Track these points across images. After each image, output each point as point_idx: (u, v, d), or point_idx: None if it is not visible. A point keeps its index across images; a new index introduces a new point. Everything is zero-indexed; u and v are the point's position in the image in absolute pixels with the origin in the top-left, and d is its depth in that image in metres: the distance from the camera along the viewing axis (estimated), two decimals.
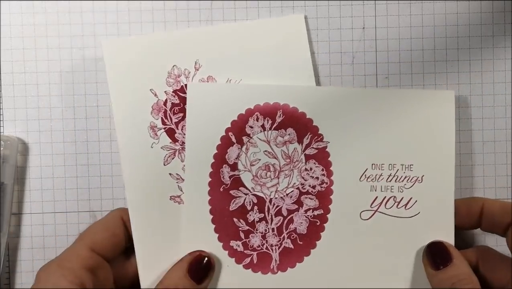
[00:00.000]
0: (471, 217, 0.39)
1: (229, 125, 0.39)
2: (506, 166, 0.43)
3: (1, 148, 0.40)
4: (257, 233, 0.39)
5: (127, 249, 0.40)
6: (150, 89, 0.39)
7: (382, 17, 0.43)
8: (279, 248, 0.39)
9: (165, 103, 0.39)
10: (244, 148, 0.39)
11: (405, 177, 0.39)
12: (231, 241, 0.39)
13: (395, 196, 0.39)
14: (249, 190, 0.39)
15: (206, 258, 0.38)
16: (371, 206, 0.39)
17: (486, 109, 0.43)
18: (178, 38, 0.40)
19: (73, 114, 0.42)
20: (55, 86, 0.42)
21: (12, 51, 0.42)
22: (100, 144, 0.42)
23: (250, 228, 0.39)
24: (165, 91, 0.39)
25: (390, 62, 0.43)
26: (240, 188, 0.39)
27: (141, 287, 0.39)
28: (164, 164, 0.39)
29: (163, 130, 0.39)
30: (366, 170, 0.39)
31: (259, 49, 0.40)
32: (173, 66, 0.40)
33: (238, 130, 0.39)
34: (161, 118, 0.39)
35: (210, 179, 0.39)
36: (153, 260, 0.39)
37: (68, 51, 0.42)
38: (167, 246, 0.39)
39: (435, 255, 0.37)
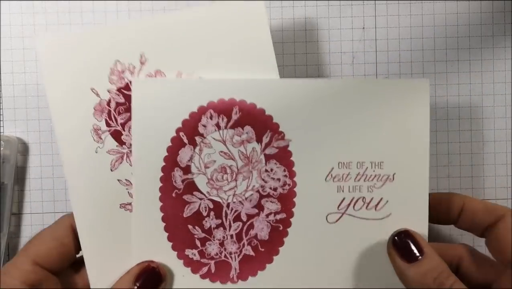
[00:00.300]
0: (450, 212, 0.37)
1: (180, 125, 0.36)
2: (506, 166, 0.43)
3: (1, 148, 0.41)
4: (214, 240, 0.36)
5: (77, 261, 0.37)
6: (91, 89, 0.36)
7: (382, 17, 0.43)
8: (238, 255, 0.36)
9: (108, 103, 0.36)
10: (197, 149, 0.36)
11: (375, 176, 0.36)
12: (187, 250, 0.36)
13: (364, 197, 0.36)
14: (204, 195, 0.36)
15: (155, 269, 0.35)
16: (338, 208, 0.36)
17: (486, 109, 0.43)
18: (120, 29, 0.36)
19: None
20: None
21: (12, 51, 0.43)
22: None
23: (206, 236, 0.36)
24: (108, 90, 0.36)
25: (390, 62, 0.43)
26: (194, 193, 0.36)
27: None
28: (112, 170, 0.36)
29: (108, 132, 0.36)
30: (332, 170, 0.36)
31: (213, 38, 0.36)
32: (115, 62, 0.36)
33: (190, 130, 0.36)
34: (105, 119, 0.36)
35: (161, 184, 0.36)
36: (105, 272, 0.36)
37: None
38: (119, 258, 0.36)
39: (404, 245, 0.34)
